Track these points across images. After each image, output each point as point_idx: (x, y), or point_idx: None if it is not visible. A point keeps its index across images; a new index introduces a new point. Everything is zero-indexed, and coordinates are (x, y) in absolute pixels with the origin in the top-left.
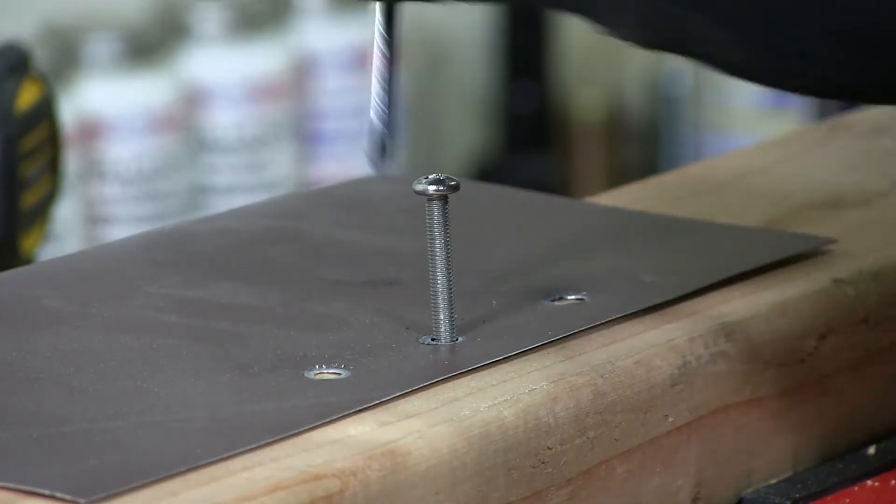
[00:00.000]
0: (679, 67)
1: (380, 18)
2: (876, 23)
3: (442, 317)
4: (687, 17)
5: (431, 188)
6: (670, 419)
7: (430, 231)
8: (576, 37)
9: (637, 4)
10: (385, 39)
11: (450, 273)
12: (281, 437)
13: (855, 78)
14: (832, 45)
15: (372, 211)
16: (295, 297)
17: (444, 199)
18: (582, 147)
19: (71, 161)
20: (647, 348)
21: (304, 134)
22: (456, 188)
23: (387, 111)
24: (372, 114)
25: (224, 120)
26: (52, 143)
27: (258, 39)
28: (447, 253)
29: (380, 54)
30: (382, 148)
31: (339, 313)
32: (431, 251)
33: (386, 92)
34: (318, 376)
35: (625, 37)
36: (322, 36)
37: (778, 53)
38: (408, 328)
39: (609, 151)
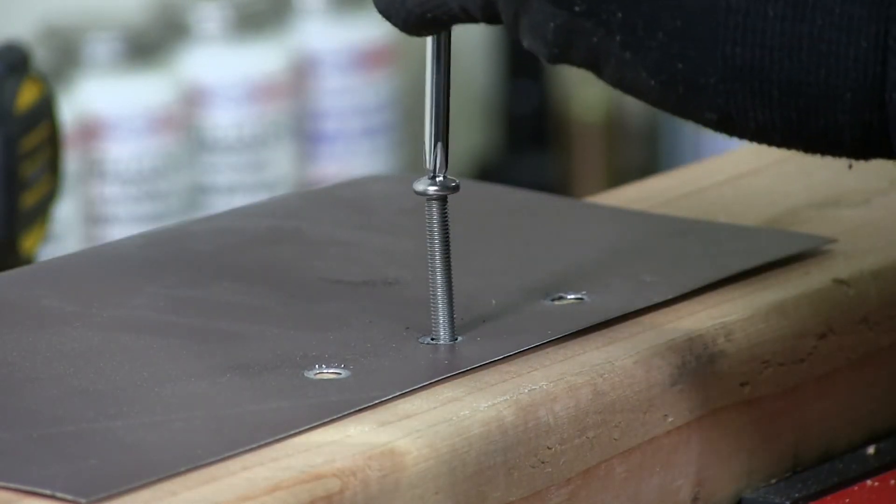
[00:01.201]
0: None
1: (431, 46)
2: (766, 57)
3: (441, 317)
4: (597, 34)
5: (431, 189)
6: (670, 419)
7: (429, 231)
8: None
9: (555, 23)
10: (436, 65)
11: (449, 273)
12: (281, 436)
13: (755, 119)
14: (724, 76)
15: (372, 211)
16: (295, 296)
17: (443, 199)
18: (582, 147)
19: (71, 161)
20: (647, 348)
21: (304, 134)
22: (456, 189)
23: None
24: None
25: (224, 120)
26: (52, 143)
27: (258, 39)
28: (447, 253)
29: (432, 81)
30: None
31: (339, 313)
32: (431, 251)
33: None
34: (318, 376)
35: (542, 52)
36: (322, 36)
37: (675, 82)
38: (408, 328)
39: (609, 151)
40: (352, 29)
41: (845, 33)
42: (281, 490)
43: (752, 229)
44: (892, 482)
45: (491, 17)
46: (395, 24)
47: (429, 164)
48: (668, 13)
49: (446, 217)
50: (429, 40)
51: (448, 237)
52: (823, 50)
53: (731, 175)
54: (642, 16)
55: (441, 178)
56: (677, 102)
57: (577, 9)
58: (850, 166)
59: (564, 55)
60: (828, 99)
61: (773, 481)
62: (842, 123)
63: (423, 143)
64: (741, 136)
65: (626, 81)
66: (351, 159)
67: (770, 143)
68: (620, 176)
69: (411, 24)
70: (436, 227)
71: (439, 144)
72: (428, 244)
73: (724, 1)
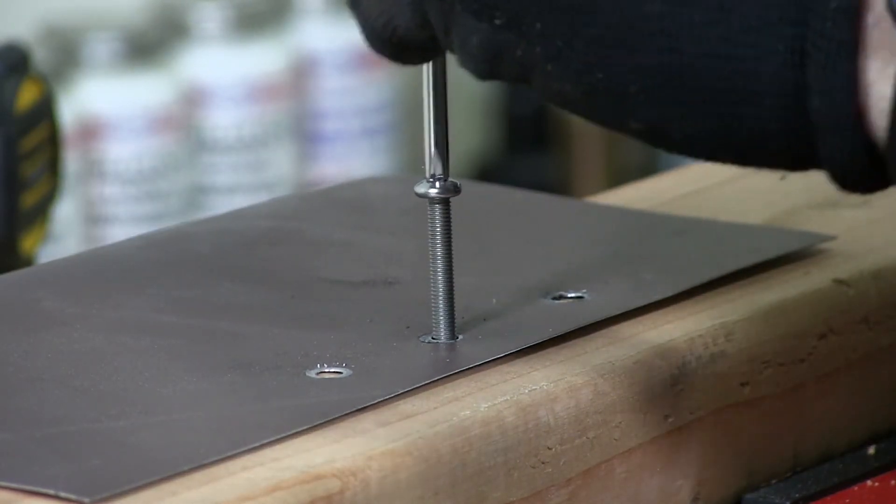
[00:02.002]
0: None
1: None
2: (684, 64)
3: (442, 316)
4: (519, 47)
5: (433, 191)
6: (670, 419)
7: (431, 233)
8: None
9: (478, 38)
10: (434, 69)
11: (450, 272)
12: (282, 436)
13: (680, 129)
14: (644, 85)
15: (371, 211)
16: (295, 296)
17: (445, 202)
18: (582, 147)
19: (71, 161)
20: (647, 348)
21: (304, 134)
22: (457, 191)
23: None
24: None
25: (224, 120)
26: (52, 143)
27: (258, 39)
28: (448, 252)
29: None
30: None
31: (340, 313)
32: (432, 251)
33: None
34: (320, 375)
35: (470, 68)
36: (322, 36)
37: (597, 92)
38: (408, 327)
39: (609, 151)
40: (352, 29)
41: (763, 37)
42: (281, 490)
43: (752, 228)
44: (893, 482)
45: (431, 39)
46: (378, 53)
47: (430, 167)
48: (585, 22)
49: (448, 219)
50: None
51: (450, 239)
52: (741, 55)
53: (731, 175)
54: (560, 25)
55: (442, 181)
56: (602, 113)
57: (497, 22)
58: (783, 177)
59: (492, 70)
60: (750, 106)
61: (773, 481)
62: (767, 131)
63: (424, 146)
64: (669, 147)
65: (554, 94)
66: (351, 160)
67: (699, 155)
68: (620, 176)
69: (387, 53)
70: (438, 230)
71: (440, 147)
72: (430, 245)
73: (640, 7)
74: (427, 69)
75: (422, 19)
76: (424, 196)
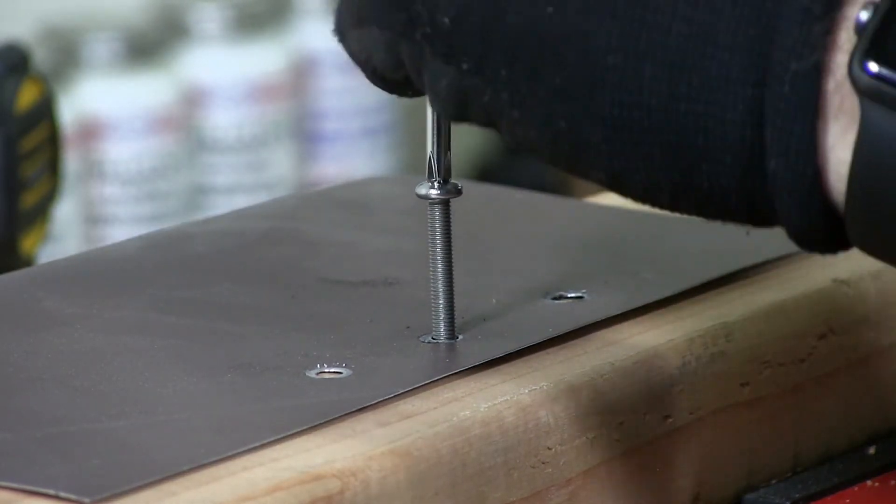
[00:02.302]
0: None
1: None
2: (644, 117)
3: (442, 316)
4: (486, 93)
5: (434, 192)
6: (670, 419)
7: (431, 233)
8: None
9: (447, 81)
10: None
11: (450, 272)
12: (283, 435)
13: (641, 180)
14: (606, 136)
15: (371, 211)
16: (295, 297)
17: (445, 203)
18: None
19: (71, 161)
20: (647, 348)
21: (304, 134)
22: (458, 192)
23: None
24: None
25: (224, 120)
26: (52, 143)
27: (258, 39)
28: (448, 253)
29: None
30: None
31: (340, 313)
32: (432, 251)
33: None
34: (320, 375)
35: (439, 110)
36: (322, 36)
37: (561, 140)
38: (408, 327)
39: None
40: None
41: (722, 95)
42: (281, 490)
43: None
44: (893, 482)
45: (406, 78)
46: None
47: (432, 168)
48: (549, 69)
49: (448, 220)
50: None
51: (450, 239)
52: (700, 111)
53: None
54: (525, 72)
55: (443, 182)
56: (567, 161)
57: (464, 66)
58: (748, 233)
59: (461, 114)
60: (708, 163)
61: (773, 481)
62: (726, 189)
63: (427, 147)
64: (633, 196)
65: (520, 140)
66: (351, 160)
67: (661, 205)
68: None
69: (377, 85)
70: (438, 230)
71: (442, 149)
72: (429, 245)
73: (604, 58)
74: None
75: (396, 60)
76: (425, 197)
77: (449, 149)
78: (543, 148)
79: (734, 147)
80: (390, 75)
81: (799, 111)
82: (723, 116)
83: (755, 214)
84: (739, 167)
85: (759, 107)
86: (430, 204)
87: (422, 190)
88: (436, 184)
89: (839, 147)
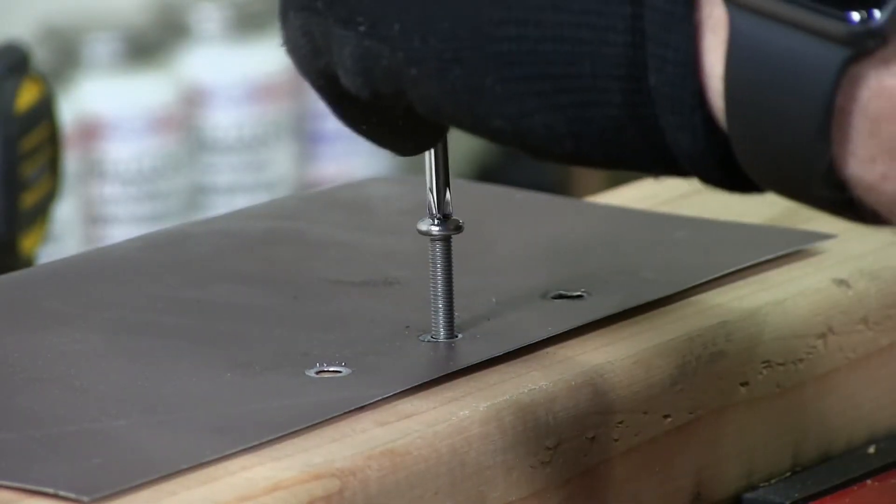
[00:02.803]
0: None
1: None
2: (533, 50)
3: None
4: (384, 54)
5: (435, 230)
6: (670, 419)
7: (432, 266)
8: None
9: (350, 48)
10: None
11: (449, 272)
12: (283, 434)
13: (541, 122)
14: (500, 76)
15: (371, 212)
16: (295, 297)
17: (447, 238)
18: None
19: (71, 161)
20: (646, 348)
21: (304, 134)
22: (460, 229)
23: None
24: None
25: (224, 120)
26: (52, 143)
27: (258, 39)
28: (447, 252)
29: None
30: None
31: (340, 312)
32: (433, 251)
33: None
34: (320, 374)
35: (349, 84)
36: None
37: (457, 91)
38: (408, 327)
39: None
40: None
41: (602, 18)
42: (281, 490)
43: (752, 227)
44: (893, 482)
45: (327, 65)
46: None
47: (431, 205)
48: (438, 15)
49: (450, 254)
50: None
51: (451, 271)
52: (585, 37)
53: None
54: (415, 24)
55: (444, 218)
56: (469, 115)
57: (361, 28)
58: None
59: (369, 84)
60: (597, 92)
61: (773, 481)
62: (618, 121)
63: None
64: (535, 150)
65: (424, 102)
66: (351, 160)
67: (563, 155)
68: (620, 176)
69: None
70: (439, 265)
71: (441, 184)
72: (430, 246)
73: None
74: None
75: (312, 44)
76: (426, 234)
77: (448, 184)
78: (446, 105)
79: (620, 70)
80: (314, 63)
81: (674, 22)
82: (605, 38)
83: (655, 153)
84: (627, 93)
85: (640, 24)
86: (432, 240)
87: (423, 226)
88: (437, 220)
89: (715, 61)
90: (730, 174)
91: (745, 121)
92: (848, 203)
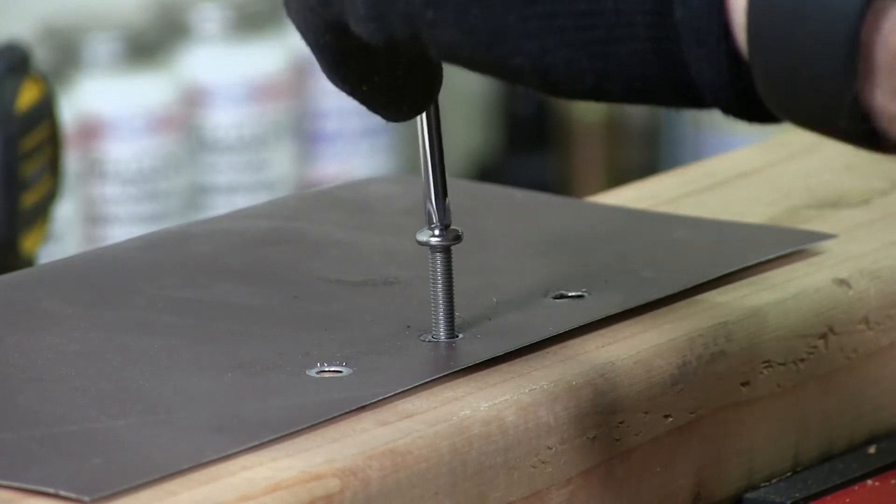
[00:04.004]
0: None
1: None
2: None
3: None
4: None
5: (434, 240)
6: (670, 419)
7: (432, 276)
8: None
9: None
10: (428, 120)
11: (450, 279)
12: (283, 434)
13: (564, 59)
14: (521, 14)
15: (371, 211)
16: (296, 296)
17: (447, 249)
18: (582, 147)
19: (71, 161)
20: (647, 348)
21: (304, 134)
22: (459, 239)
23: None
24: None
25: (224, 120)
26: (52, 142)
27: (258, 39)
28: (448, 261)
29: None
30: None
31: (340, 312)
32: (433, 261)
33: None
34: (320, 374)
35: (362, 31)
36: None
37: (478, 31)
38: (408, 326)
39: (609, 151)
40: None
41: None
42: (281, 490)
43: (752, 227)
44: (893, 482)
45: (339, 16)
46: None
47: (432, 216)
48: None
49: (450, 264)
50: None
51: (451, 280)
52: None
53: (731, 175)
54: None
55: (444, 229)
56: (487, 56)
57: None
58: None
59: (383, 29)
60: (622, 27)
61: (774, 481)
62: (643, 55)
63: (424, 196)
64: (558, 90)
65: (442, 46)
66: (351, 159)
67: (587, 93)
68: (620, 176)
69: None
70: (440, 275)
71: (439, 194)
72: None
73: None
74: (421, 121)
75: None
76: (426, 244)
77: (446, 195)
78: (465, 47)
79: (646, 5)
80: (322, 15)
81: None
82: None
83: (676, 87)
84: (652, 27)
85: None
86: (432, 251)
87: (422, 237)
88: (437, 230)
89: None
90: (751, 106)
91: (769, 54)
92: (870, 133)
